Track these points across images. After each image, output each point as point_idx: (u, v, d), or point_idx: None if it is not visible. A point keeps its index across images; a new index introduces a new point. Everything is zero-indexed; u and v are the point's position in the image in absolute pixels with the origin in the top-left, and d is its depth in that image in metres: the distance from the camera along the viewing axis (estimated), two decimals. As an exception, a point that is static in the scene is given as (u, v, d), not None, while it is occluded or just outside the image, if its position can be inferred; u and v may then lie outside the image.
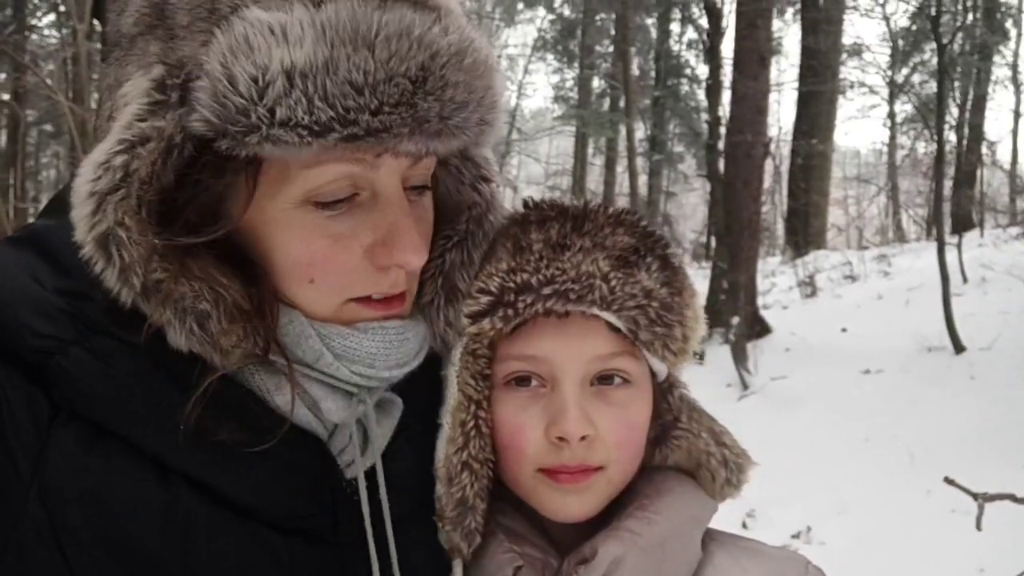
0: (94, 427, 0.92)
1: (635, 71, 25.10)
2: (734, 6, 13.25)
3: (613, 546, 1.11)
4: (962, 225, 20.68)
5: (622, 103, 21.71)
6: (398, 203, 1.00)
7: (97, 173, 0.90)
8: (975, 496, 4.09)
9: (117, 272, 0.91)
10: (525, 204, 1.24)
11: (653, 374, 1.23)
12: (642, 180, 23.73)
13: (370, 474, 1.08)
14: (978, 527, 4.00)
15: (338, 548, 1.03)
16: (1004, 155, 29.68)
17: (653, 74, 26.68)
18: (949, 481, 4.16)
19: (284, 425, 0.99)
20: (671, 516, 1.16)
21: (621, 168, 25.01)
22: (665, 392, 1.25)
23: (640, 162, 22.93)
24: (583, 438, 1.12)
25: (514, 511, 1.19)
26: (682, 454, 1.25)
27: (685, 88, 26.85)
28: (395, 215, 0.99)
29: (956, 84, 20.64)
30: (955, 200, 21.67)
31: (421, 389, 1.15)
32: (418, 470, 1.14)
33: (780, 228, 25.00)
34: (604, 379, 1.17)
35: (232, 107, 0.88)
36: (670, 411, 1.25)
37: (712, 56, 14.75)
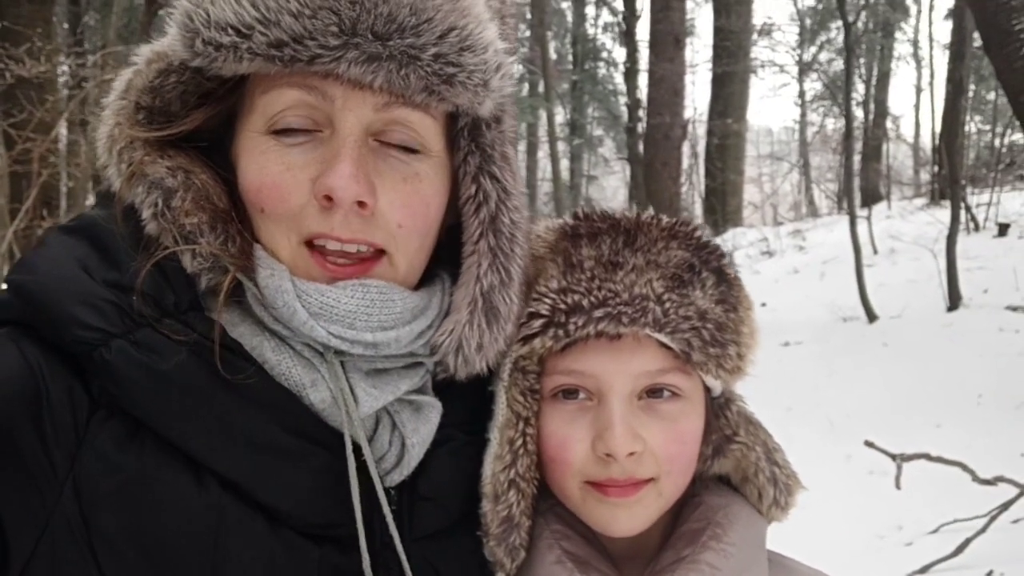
0: (132, 424, 0.92)
1: (552, 55, 25.18)
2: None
3: None
4: (871, 198, 21.46)
5: (541, 88, 21.75)
6: (345, 137, 0.97)
7: (114, 95, 1.05)
8: (894, 457, 4.29)
9: (115, 164, 1.01)
10: (575, 215, 1.19)
11: (707, 389, 1.19)
12: (563, 165, 23.86)
13: (410, 485, 1.06)
14: (897, 486, 4.20)
15: (372, 558, 1.00)
16: (907, 129, 30.87)
17: (571, 58, 26.84)
18: (869, 444, 4.35)
19: (322, 426, 0.99)
20: (744, 547, 1.14)
21: (543, 153, 25.09)
22: (722, 407, 1.22)
23: (561, 147, 23.03)
24: (631, 454, 1.10)
25: (575, 534, 1.16)
26: (731, 464, 1.22)
27: (603, 71, 27.10)
28: (338, 146, 0.97)
29: (861, 61, 21.34)
30: (863, 174, 22.47)
31: (462, 397, 1.13)
32: (461, 483, 1.12)
33: (698, 207, 25.49)
34: (653, 392, 1.14)
35: (185, 13, 0.96)
36: (728, 425, 1.21)
37: (629, 39, 14.93)
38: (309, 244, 0.99)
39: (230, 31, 0.92)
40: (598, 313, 1.09)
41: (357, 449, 0.99)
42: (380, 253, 1.02)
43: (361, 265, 1.01)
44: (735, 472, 1.23)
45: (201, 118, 1.03)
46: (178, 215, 0.98)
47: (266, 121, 0.99)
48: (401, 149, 1.01)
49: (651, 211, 1.22)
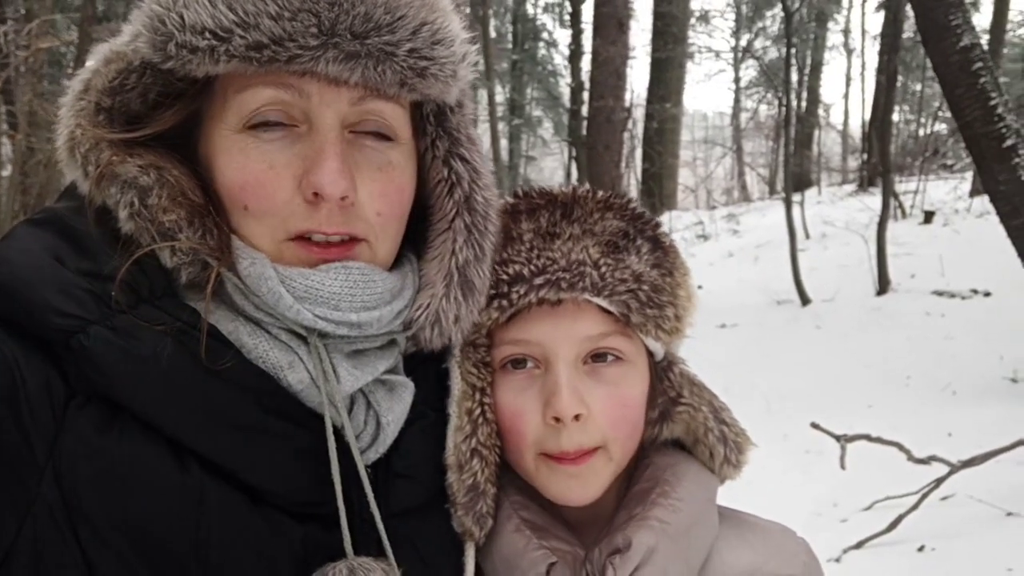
0: (110, 409, 0.92)
1: (492, 34, 25.06)
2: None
3: (646, 536, 1.11)
4: (802, 183, 21.98)
5: (481, 66, 21.72)
6: (327, 133, 0.99)
7: (71, 96, 1.02)
8: (838, 438, 4.44)
9: (81, 167, 0.99)
10: (515, 194, 1.23)
11: (651, 354, 1.23)
12: (503, 145, 23.83)
13: (384, 462, 1.08)
14: (842, 466, 4.35)
15: (353, 535, 1.01)
16: (836, 117, 31.72)
17: (511, 37, 26.72)
18: (815, 426, 4.49)
19: (299, 407, 1.00)
20: (692, 502, 1.17)
21: (482, 132, 24.98)
22: (665, 370, 1.26)
23: (500, 126, 23.00)
24: (577, 417, 1.13)
25: (532, 503, 1.19)
26: (681, 428, 1.25)
27: (543, 52, 27.07)
28: (321, 143, 0.98)
29: (794, 51, 21.79)
30: (795, 160, 22.98)
31: (432, 377, 1.16)
32: (433, 458, 1.14)
33: (634, 190, 25.77)
34: (597, 357, 1.17)
35: (155, 17, 0.95)
36: (672, 387, 1.25)
37: (574, 21, 14.93)
38: (292, 239, 1.01)
39: (207, 35, 0.92)
40: (538, 280, 1.14)
41: (335, 429, 1.01)
42: (359, 240, 1.04)
43: (343, 246, 1.02)
44: (686, 435, 1.26)
45: (172, 119, 1.02)
46: (155, 212, 0.98)
47: (241, 119, 0.99)
48: (375, 137, 1.04)
49: (587, 185, 1.26)
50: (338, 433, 1.01)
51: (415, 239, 1.16)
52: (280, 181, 0.98)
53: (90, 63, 1.03)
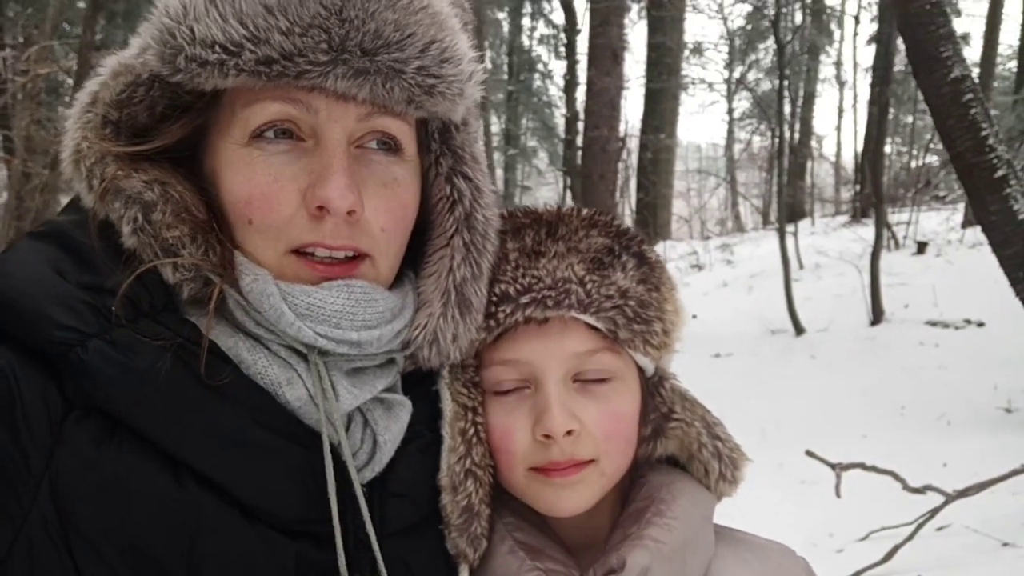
0: (107, 423, 0.91)
1: (488, 65, 25.28)
2: (588, 3, 13.58)
3: (640, 555, 1.10)
4: (795, 214, 22.08)
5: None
6: (334, 148, 0.99)
7: (78, 108, 1.03)
8: (833, 466, 4.43)
9: (85, 180, 0.99)
10: (501, 216, 1.22)
11: (642, 370, 1.22)
12: (498, 175, 23.97)
13: (380, 482, 1.07)
14: (837, 494, 4.33)
15: (347, 554, 1.00)
16: (829, 148, 31.95)
17: (506, 68, 26.95)
18: (810, 454, 4.47)
19: (296, 424, 0.99)
20: (688, 521, 1.16)
21: (477, 161, 24.98)
22: (656, 386, 1.24)
23: (496, 156, 23.15)
24: (568, 433, 1.12)
25: (527, 524, 1.18)
26: (675, 444, 1.24)
27: (538, 83, 27.30)
28: (328, 158, 0.99)
29: (787, 83, 22.03)
30: (788, 191, 23.11)
31: (429, 397, 1.16)
32: (429, 479, 1.13)
33: (628, 220, 25.86)
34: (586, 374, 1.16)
35: (164, 30, 0.96)
36: (664, 403, 1.24)
37: (569, 52, 15.07)
38: (296, 252, 1.01)
39: (217, 49, 0.93)
40: (524, 299, 1.14)
41: (331, 447, 1.00)
42: (364, 256, 1.04)
43: (348, 265, 1.02)
44: (681, 451, 1.25)
45: (179, 133, 1.03)
46: (159, 228, 0.98)
47: (247, 133, 1.00)
48: (381, 152, 1.05)
49: (571, 204, 1.26)
50: (335, 451, 1.00)
51: (413, 255, 1.16)
52: (285, 195, 0.99)
53: (98, 75, 1.04)
